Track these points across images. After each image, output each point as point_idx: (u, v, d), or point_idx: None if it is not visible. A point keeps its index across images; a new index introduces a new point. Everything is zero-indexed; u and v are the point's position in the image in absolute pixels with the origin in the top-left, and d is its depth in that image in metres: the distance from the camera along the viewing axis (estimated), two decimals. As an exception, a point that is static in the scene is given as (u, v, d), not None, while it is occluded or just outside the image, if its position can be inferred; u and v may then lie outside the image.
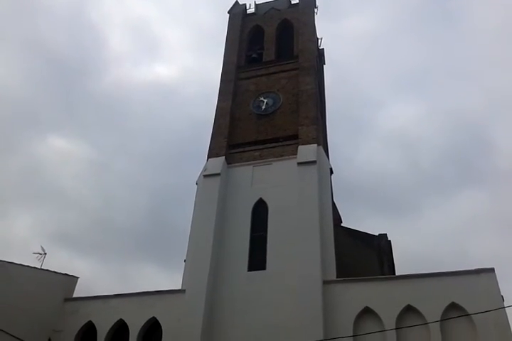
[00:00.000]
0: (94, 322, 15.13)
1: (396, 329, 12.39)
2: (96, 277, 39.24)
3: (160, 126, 52.42)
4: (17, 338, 13.74)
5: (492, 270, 12.81)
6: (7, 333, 13.46)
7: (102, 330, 14.88)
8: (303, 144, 17.17)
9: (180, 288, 15.21)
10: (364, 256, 16.76)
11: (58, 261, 29.90)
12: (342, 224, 18.71)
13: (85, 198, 44.93)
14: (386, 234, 17.45)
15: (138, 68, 58.81)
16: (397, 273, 17.21)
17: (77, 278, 16.43)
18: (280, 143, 17.82)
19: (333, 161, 17.81)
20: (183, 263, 16.26)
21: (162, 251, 44.31)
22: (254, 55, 21.69)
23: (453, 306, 12.50)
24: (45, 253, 16.44)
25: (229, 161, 17.92)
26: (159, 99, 56.29)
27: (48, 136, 49.95)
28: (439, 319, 12.27)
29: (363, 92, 53.26)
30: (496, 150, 49.64)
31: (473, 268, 13.03)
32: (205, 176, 17.48)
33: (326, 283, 13.83)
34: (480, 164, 49.59)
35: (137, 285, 42.25)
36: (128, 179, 48.05)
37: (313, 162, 16.45)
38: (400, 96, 56.93)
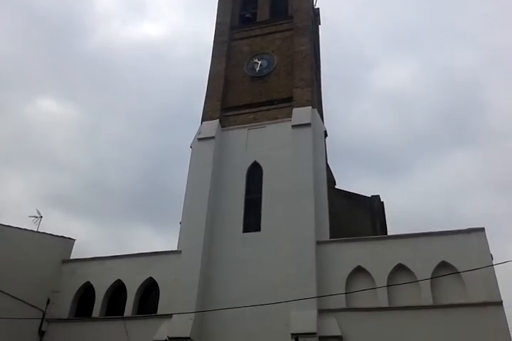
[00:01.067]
0: (92, 282, 15.48)
1: (387, 286, 12.75)
2: (91, 239, 39.74)
3: (151, 87, 51.64)
4: (17, 299, 14.09)
5: (482, 229, 13.06)
6: (8, 294, 13.77)
7: (100, 290, 15.24)
8: (297, 107, 17.07)
9: (176, 249, 15.47)
10: (357, 217, 17.00)
11: (53, 224, 30.19)
12: (336, 186, 18.88)
13: (77, 160, 44.88)
14: (379, 196, 17.67)
15: (126, 27, 57.12)
16: (389, 233, 17.56)
17: (74, 240, 16.67)
18: (274, 106, 17.71)
19: (327, 123, 17.76)
20: (178, 225, 16.48)
21: (156, 213, 44.78)
22: (247, 15, 21.22)
23: (443, 264, 12.81)
24: (41, 217, 16.62)
25: (223, 124, 17.85)
26: (149, 60, 54.98)
27: (36, 97, 49.02)
28: (429, 277, 12.61)
29: (357, 52, 52.47)
30: (489, 109, 49.37)
31: (463, 228, 13.29)
32: (199, 139, 17.45)
33: (319, 243, 14.08)
34: (473, 124, 49.45)
35: (133, 247, 43.03)
36: (119, 141, 47.75)
37: (308, 125, 16.41)
38: (395, 55, 56.01)
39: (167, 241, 43.95)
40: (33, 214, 16.69)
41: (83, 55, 48.93)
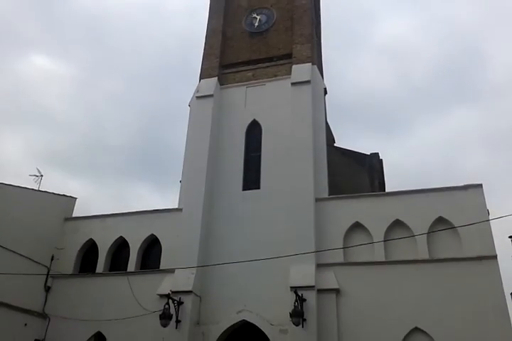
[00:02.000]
0: (94, 239, 15.79)
1: (384, 241, 13.00)
2: (91, 198, 40.12)
3: (146, 43, 50.55)
4: (23, 256, 14.39)
5: (480, 186, 13.18)
6: (13, 251, 14.06)
7: (103, 247, 15.56)
8: (297, 63, 16.79)
9: (177, 207, 15.66)
10: (356, 174, 17.12)
11: (52, 183, 30.36)
12: (335, 144, 18.89)
13: (73, 118, 44.62)
14: (378, 153, 17.71)
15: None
16: (387, 190, 17.70)
17: (76, 198, 16.86)
18: (274, 63, 17.44)
19: (327, 80, 17.50)
20: (177, 183, 16.65)
21: (155, 171, 45.04)
22: (245, -32, 20.47)
23: (440, 220, 13.01)
24: (42, 176, 16.70)
25: (222, 82, 17.63)
26: (144, 14, 53.49)
27: (29, 54, 47.97)
28: (426, 232, 12.83)
29: (356, 5, 51.00)
30: (490, 63, 48.58)
31: (461, 184, 13.39)
32: (197, 97, 17.29)
33: (318, 200, 14.24)
34: (473, 78, 48.74)
35: (132, 206, 43.35)
36: (116, 98, 47.28)
37: (308, 82, 16.20)
38: (394, 8, 54.52)
39: (166, 199, 44.34)
40: (33, 173, 16.78)
41: (76, 11, 47.70)
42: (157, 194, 45.96)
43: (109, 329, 13.92)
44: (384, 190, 17.59)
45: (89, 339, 14.18)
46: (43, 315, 14.71)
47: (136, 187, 46.16)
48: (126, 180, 46.62)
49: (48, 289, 15.16)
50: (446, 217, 12.96)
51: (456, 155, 46.33)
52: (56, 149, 42.73)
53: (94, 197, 40.35)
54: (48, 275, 15.20)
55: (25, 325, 14.11)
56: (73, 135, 43.67)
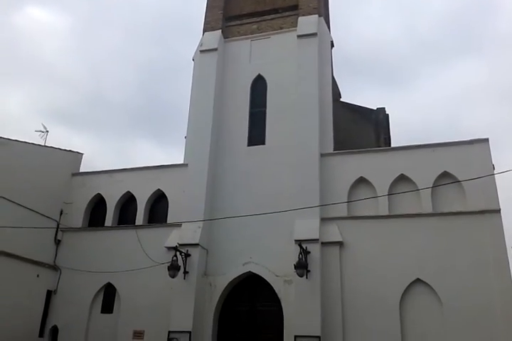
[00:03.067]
0: (102, 194, 16.02)
1: (388, 195, 13.10)
2: (94, 154, 40.30)
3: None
4: (32, 211, 14.66)
5: (486, 140, 13.10)
6: (23, 206, 14.30)
7: (111, 201, 15.82)
8: (303, 15, 16.33)
9: (182, 162, 15.74)
10: (361, 129, 17.01)
11: (57, 139, 30.38)
12: (341, 99, 18.66)
13: (73, 73, 43.96)
14: (384, 108, 17.53)
15: None
16: (393, 145, 17.61)
17: (82, 154, 16.98)
18: (279, 15, 16.96)
19: (333, 32, 17.00)
20: (181, 138, 16.69)
21: (157, 127, 44.95)
22: None
23: (445, 175, 13.03)
24: (47, 131, 16.72)
25: (226, 35, 17.24)
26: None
27: (25, 6, 46.85)
28: (430, 186, 12.89)
29: None
30: (499, 14, 46.79)
31: (467, 139, 13.31)
32: (201, 51, 16.96)
33: (323, 155, 14.25)
34: (481, 30, 47.07)
35: (136, 161, 43.54)
36: (115, 52, 46.28)
37: (314, 34, 15.81)
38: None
39: (169, 155, 44.38)
40: (39, 129, 16.80)
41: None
42: (160, 150, 46.03)
43: (119, 281, 14.38)
44: (389, 146, 17.52)
45: (100, 289, 14.68)
46: (54, 267, 15.17)
47: (139, 143, 46.16)
48: (129, 137, 46.53)
49: (58, 242, 15.56)
50: (451, 172, 12.98)
51: (462, 110, 45.80)
52: (58, 105, 42.54)
53: (97, 153, 40.52)
54: (57, 228, 15.55)
55: (38, 276, 14.59)
56: (73, 91, 43.26)
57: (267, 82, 16.16)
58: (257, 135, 15.57)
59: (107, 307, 14.51)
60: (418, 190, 12.80)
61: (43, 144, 16.09)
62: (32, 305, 14.26)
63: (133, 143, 45.78)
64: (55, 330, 14.67)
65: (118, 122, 45.08)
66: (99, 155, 39.82)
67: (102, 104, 44.04)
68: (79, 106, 42.52)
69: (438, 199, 12.96)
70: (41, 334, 14.53)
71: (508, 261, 11.97)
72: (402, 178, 13.39)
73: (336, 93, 18.10)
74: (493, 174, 12.15)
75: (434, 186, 12.87)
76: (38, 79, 44.62)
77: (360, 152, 14.28)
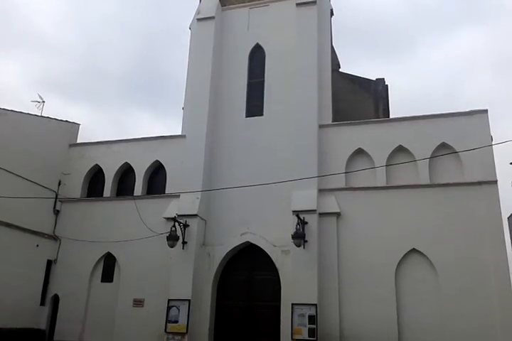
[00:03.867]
0: (100, 165, 16.01)
1: (386, 166, 13.13)
2: (91, 125, 40.03)
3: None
4: (31, 181, 14.67)
5: (485, 111, 13.04)
6: (21, 177, 14.30)
7: (109, 172, 15.82)
8: (302, -18, 15.94)
9: (180, 133, 15.67)
10: (360, 100, 16.87)
11: (53, 110, 30.11)
12: (340, 70, 18.43)
13: (68, 42, 43.34)
14: (383, 79, 17.34)
15: None
16: (392, 117, 17.50)
17: (79, 124, 16.87)
18: (278, -19, 16.54)
19: (332, 0, 16.61)
20: (177, 110, 16.63)
21: (155, 98, 44.50)
22: None
23: (443, 146, 13.02)
24: (44, 101, 16.54)
25: (223, 3, 16.87)
26: None
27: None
28: (428, 157, 12.89)
29: None
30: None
31: (466, 110, 13.23)
32: (198, 20, 16.64)
33: (321, 127, 14.20)
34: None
35: (132, 133, 43.32)
36: (110, 22, 45.57)
37: (313, 2, 15.48)
38: None
39: (166, 126, 44.13)
40: (35, 100, 16.62)
41: None
42: (157, 121, 45.80)
43: (119, 251, 14.54)
44: (388, 117, 17.43)
45: (100, 259, 14.86)
46: (53, 237, 15.31)
47: (135, 114, 45.86)
48: (125, 107, 46.21)
49: (57, 213, 15.65)
50: (450, 143, 12.96)
51: (461, 79, 45.40)
52: (53, 74, 42.01)
53: (93, 125, 40.28)
54: (56, 199, 15.60)
55: (37, 246, 14.74)
56: (69, 61, 42.75)
57: (265, 51, 15.93)
58: (255, 106, 15.46)
59: (107, 276, 14.73)
60: (416, 160, 12.81)
61: (39, 115, 15.94)
62: (32, 274, 14.46)
63: (129, 114, 45.56)
64: (56, 299, 14.93)
65: (113, 92, 44.73)
66: (94, 126, 39.66)
67: (97, 74, 43.58)
68: (73, 77, 42.07)
69: (435, 170, 13.00)
70: (43, 303, 14.80)
71: (503, 231, 12.13)
72: (400, 149, 13.39)
73: (335, 63, 17.87)
74: (491, 145, 12.15)
75: (432, 157, 12.87)
76: (31, 49, 43.90)
77: (359, 123, 14.21)
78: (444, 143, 13.03)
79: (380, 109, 16.99)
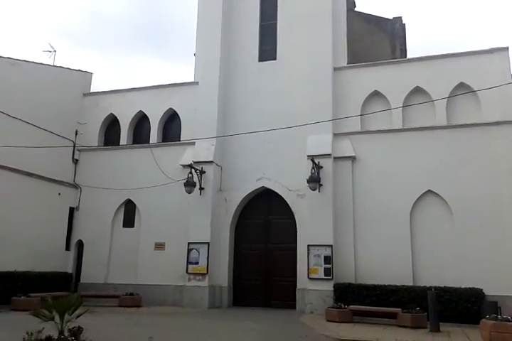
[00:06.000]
0: (115, 114, 16.07)
1: (402, 107, 12.92)
2: (100, 72, 39.49)
3: None
4: (49, 131, 14.83)
5: (506, 49, 12.58)
6: (40, 128, 14.47)
7: (124, 121, 15.92)
8: None
9: (192, 80, 15.52)
10: (377, 41, 16.34)
11: (63, 59, 29.64)
12: (355, 9, 17.73)
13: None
14: (401, 18, 16.68)
15: None
16: (409, 57, 16.98)
17: (92, 73, 16.77)
18: None
19: None
20: (188, 56, 16.38)
21: (164, 44, 43.51)
22: None
23: (461, 86, 12.70)
24: (55, 51, 16.41)
25: None
26: None
27: None
28: (446, 97, 12.61)
29: None
30: None
31: (486, 48, 12.77)
32: (207, -40, 15.98)
33: (336, 69, 13.90)
34: None
35: (142, 80, 42.67)
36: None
37: None
38: None
39: (176, 72, 43.32)
40: (46, 49, 16.49)
41: None
42: (167, 67, 44.99)
43: (138, 197, 14.88)
44: (406, 57, 16.90)
45: (120, 206, 15.25)
46: (74, 186, 15.69)
47: (144, 61, 45.06)
48: (134, 54, 45.29)
49: (76, 162, 15.93)
50: (468, 83, 12.63)
51: (482, 15, 43.40)
52: (61, 24, 41.25)
53: (102, 72, 39.81)
54: (74, 148, 15.82)
55: (59, 194, 15.14)
56: (74, 8, 41.67)
57: (278, -11, 15.36)
58: (268, 50, 15.14)
59: (129, 221, 15.19)
60: (433, 100, 12.56)
61: (51, 64, 15.85)
62: (56, 221, 14.96)
63: (138, 62, 44.76)
64: (80, 244, 15.51)
65: (121, 39, 43.73)
66: (104, 75, 39.30)
67: (101, 20, 42.47)
68: (81, 24, 41.16)
69: (453, 111, 12.76)
70: (68, 248, 15.40)
71: (520, 171, 12.00)
72: (417, 91, 13.11)
73: (350, 2, 17.17)
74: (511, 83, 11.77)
75: (450, 96, 12.58)
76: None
77: (375, 64, 13.87)
78: (462, 82, 12.70)
79: (397, 50, 16.46)
